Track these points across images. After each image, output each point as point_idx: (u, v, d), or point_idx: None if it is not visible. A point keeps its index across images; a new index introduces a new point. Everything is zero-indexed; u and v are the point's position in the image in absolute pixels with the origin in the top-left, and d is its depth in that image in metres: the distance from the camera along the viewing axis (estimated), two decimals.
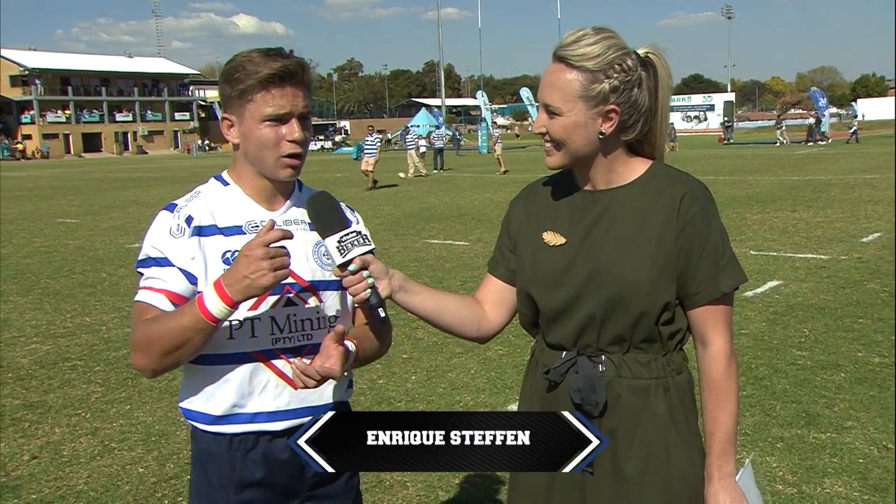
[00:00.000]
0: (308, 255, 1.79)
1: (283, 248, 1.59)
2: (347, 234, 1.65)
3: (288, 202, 1.82)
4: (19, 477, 3.99)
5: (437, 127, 39.79)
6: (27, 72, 77.21)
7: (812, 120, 43.26)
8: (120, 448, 4.33)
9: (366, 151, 22.25)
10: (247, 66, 1.66)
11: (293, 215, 1.81)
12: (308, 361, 1.67)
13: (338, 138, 71.50)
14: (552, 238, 1.74)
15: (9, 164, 57.73)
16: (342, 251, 1.64)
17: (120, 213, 17.42)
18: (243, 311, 1.68)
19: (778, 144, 39.50)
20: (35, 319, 7.42)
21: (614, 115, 1.65)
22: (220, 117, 1.79)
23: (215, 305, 1.58)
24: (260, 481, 1.76)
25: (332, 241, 1.65)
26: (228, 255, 1.71)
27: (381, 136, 25.90)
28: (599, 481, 1.69)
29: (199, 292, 1.67)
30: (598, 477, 1.69)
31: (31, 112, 76.54)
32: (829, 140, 39.45)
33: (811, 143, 38.57)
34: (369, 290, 1.65)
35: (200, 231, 1.71)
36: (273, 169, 1.73)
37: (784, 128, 43.40)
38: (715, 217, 1.68)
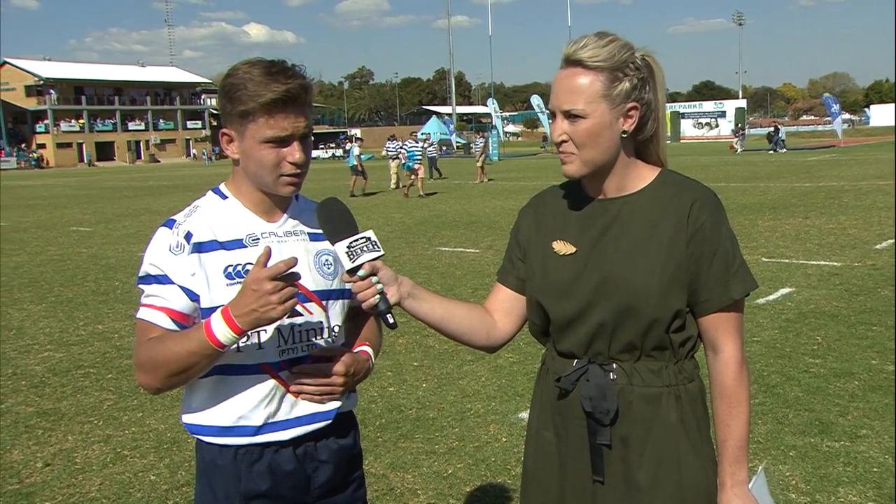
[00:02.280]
0: (310, 266, 1.80)
1: (295, 273, 1.59)
2: (357, 240, 1.65)
3: (286, 214, 1.83)
4: (33, 484, 4.02)
5: (427, 136, 37.81)
6: (41, 82, 78.10)
7: (771, 129, 45.51)
8: (132, 455, 4.35)
9: (416, 159, 22.12)
10: (248, 86, 1.64)
11: (292, 226, 1.82)
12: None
13: (348, 146, 71.64)
14: (562, 247, 1.74)
15: (24, 172, 58.15)
16: (351, 257, 1.64)
17: (132, 221, 17.52)
18: None
19: (737, 152, 41.27)
20: (49, 327, 7.47)
21: (634, 113, 1.65)
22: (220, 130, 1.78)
23: (223, 333, 1.59)
24: (266, 493, 1.76)
25: (341, 247, 1.65)
26: (230, 269, 1.71)
27: (423, 144, 24.82)
28: (611, 490, 1.69)
29: (201, 309, 1.68)
30: (609, 485, 1.69)
31: (46, 121, 77.33)
32: (786, 149, 41.14)
33: (778, 151, 40.11)
34: (378, 297, 1.65)
35: (200, 247, 1.71)
36: (273, 186, 1.74)
37: (742, 137, 45.53)
38: (724, 224, 1.67)
